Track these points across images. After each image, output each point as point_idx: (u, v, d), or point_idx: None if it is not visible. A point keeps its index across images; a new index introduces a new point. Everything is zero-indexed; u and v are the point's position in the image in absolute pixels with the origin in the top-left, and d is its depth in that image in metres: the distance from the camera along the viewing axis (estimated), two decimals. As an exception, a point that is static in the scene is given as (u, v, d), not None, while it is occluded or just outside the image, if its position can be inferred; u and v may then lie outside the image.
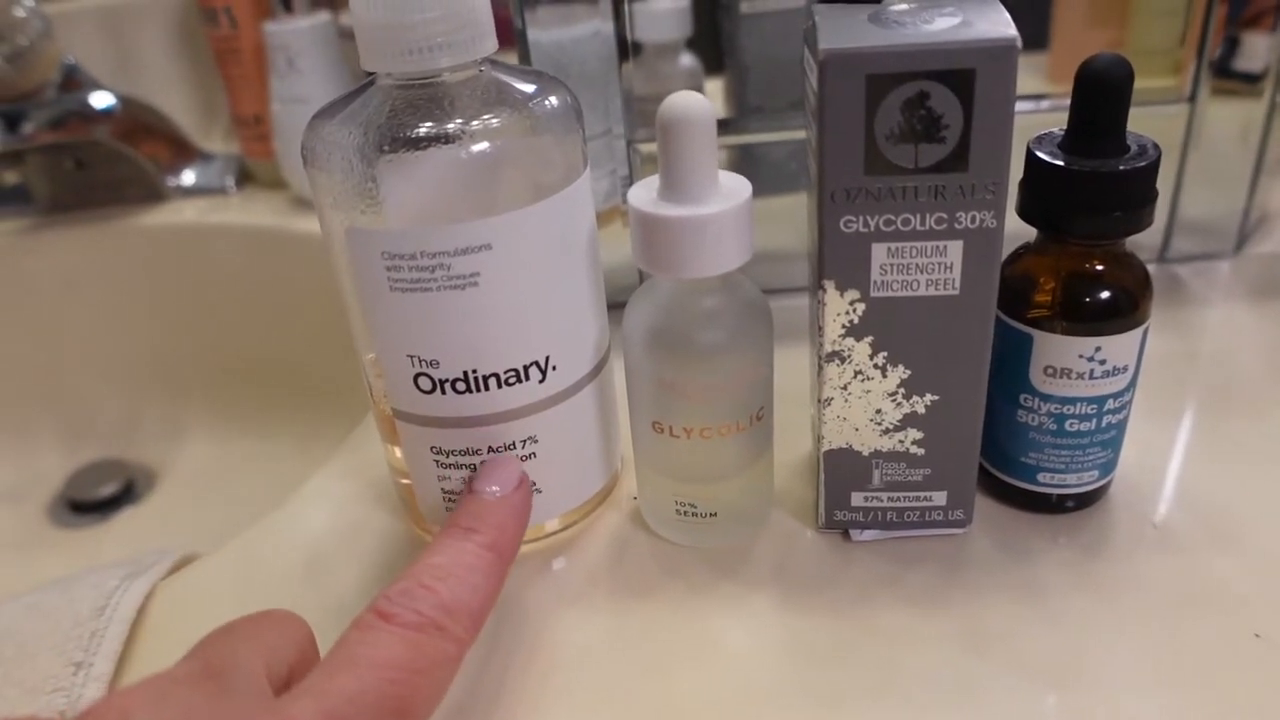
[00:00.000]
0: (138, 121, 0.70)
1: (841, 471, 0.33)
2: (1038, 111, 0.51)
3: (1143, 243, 0.51)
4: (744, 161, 0.54)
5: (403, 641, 0.25)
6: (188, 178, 0.71)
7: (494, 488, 0.31)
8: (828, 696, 0.29)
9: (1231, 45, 0.47)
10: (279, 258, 0.65)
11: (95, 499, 0.65)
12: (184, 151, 0.71)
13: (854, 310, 0.30)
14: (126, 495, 0.66)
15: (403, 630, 0.26)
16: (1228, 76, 0.47)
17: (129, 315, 0.69)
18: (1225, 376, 0.43)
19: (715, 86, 0.58)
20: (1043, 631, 0.31)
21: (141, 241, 0.69)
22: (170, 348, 0.70)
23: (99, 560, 0.41)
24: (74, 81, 0.67)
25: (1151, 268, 0.50)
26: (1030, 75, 0.67)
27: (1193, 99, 0.47)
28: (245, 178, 0.72)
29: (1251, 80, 0.47)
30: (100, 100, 0.68)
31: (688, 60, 0.58)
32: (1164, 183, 0.49)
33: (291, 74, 0.62)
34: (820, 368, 0.32)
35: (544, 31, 0.47)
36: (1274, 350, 0.44)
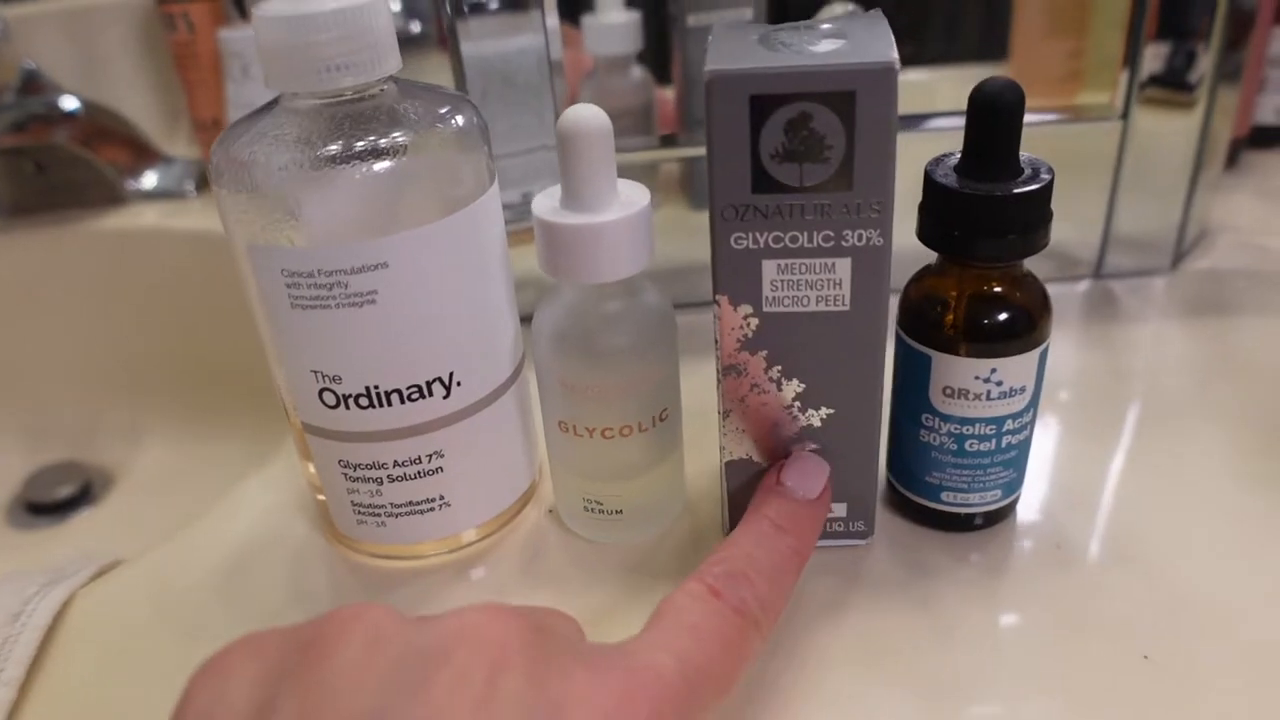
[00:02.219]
0: (98, 125, 0.70)
1: (742, 482, 0.34)
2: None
3: (1079, 258, 0.51)
4: (693, 174, 0.54)
5: (730, 623, 0.26)
6: (148, 181, 0.71)
7: (803, 493, 0.32)
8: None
9: (1188, 57, 0.47)
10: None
11: (52, 501, 0.66)
12: (145, 155, 0.72)
13: (748, 325, 0.31)
14: (83, 497, 0.66)
15: (731, 612, 0.27)
16: (1167, 86, 0.48)
17: (88, 318, 0.70)
18: (1148, 396, 0.43)
19: (667, 98, 0.59)
20: (934, 647, 0.31)
21: (101, 245, 0.69)
22: (129, 351, 0.70)
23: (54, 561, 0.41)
24: (35, 85, 0.67)
25: (1086, 284, 0.51)
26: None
27: (1125, 116, 0.48)
28: (206, 182, 0.72)
29: (1188, 89, 0.47)
30: (61, 104, 0.68)
31: (638, 74, 0.59)
32: (1098, 198, 0.50)
33: (246, 80, 0.62)
34: (719, 380, 0.32)
35: (480, 44, 0.47)
36: (1199, 369, 0.44)
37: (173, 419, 0.69)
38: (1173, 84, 0.47)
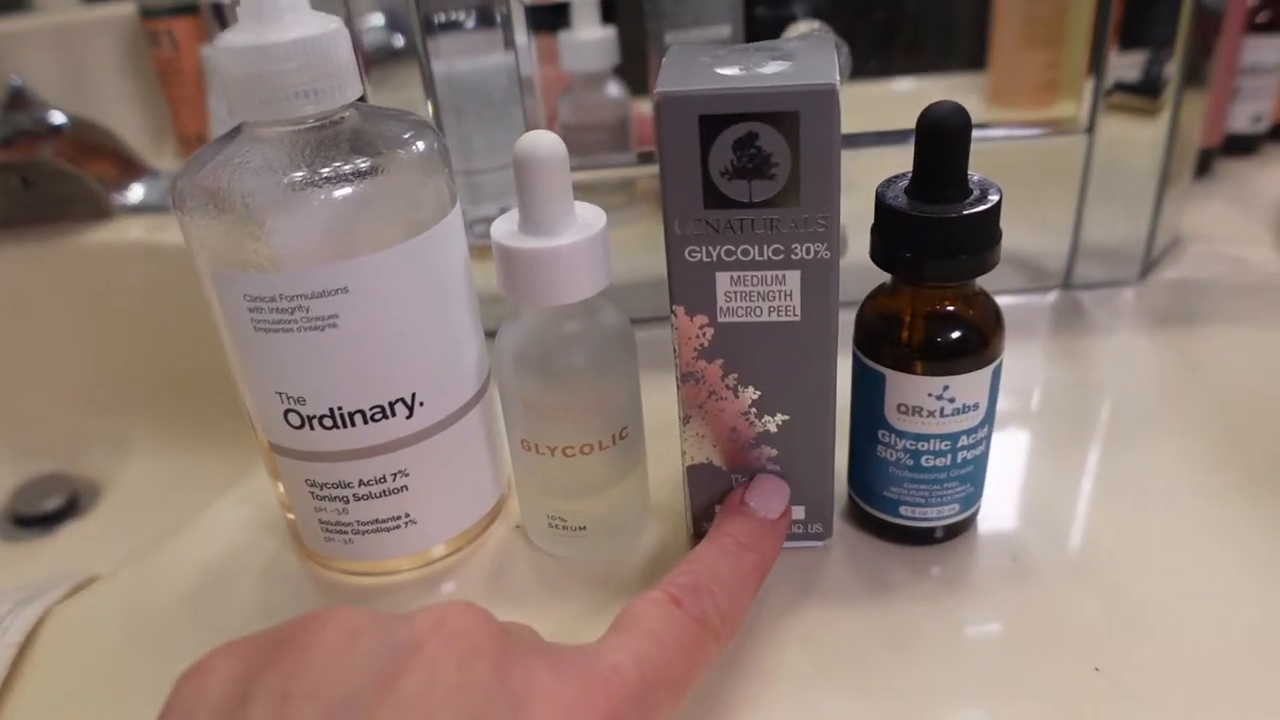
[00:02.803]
0: (85, 140, 0.71)
1: (703, 485, 0.35)
2: (985, 140, 0.50)
3: (1048, 269, 0.52)
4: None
5: (689, 631, 0.27)
6: (135, 195, 0.72)
7: (765, 513, 0.33)
8: None
9: (1154, 64, 0.47)
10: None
11: (39, 513, 0.66)
12: (131, 169, 0.72)
13: (704, 334, 0.32)
14: (70, 509, 0.67)
15: (692, 621, 0.28)
16: (1133, 92, 0.48)
17: (75, 331, 0.70)
18: (1111, 408, 0.43)
19: (645, 114, 0.59)
20: (890, 659, 0.32)
21: (87, 259, 0.70)
22: (116, 363, 0.70)
23: (41, 574, 0.42)
24: (21, 101, 0.68)
25: (1055, 294, 0.52)
26: (971, 95, 0.68)
27: (1090, 130, 0.48)
28: (192, 196, 0.73)
29: (1153, 95, 0.48)
30: (48, 119, 0.69)
31: (615, 90, 0.59)
32: (1067, 208, 0.50)
33: (228, 96, 0.63)
34: (679, 387, 0.33)
35: (456, 61, 0.48)
36: (1163, 381, 0.45)
37: (160, 432, 0.70)
38: (1138, 90, 0.48)
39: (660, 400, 0.36)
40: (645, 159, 0.54)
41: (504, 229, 0.32)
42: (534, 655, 0.24)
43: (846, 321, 0.33)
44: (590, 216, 0.32)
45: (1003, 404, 0.43)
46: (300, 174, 0.30)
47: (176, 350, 0.69)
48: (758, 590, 0.31)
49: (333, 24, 0.31)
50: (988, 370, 0.33)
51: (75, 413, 0.71)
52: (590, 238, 0.31)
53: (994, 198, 0.31)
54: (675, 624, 0.27)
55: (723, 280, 0.31)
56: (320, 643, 0.23)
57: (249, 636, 0.24)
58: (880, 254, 0.32)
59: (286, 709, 0.21)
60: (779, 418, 0.33)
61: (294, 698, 0.21)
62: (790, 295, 0.31)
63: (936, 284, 0.32)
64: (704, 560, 0.30)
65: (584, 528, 0.35)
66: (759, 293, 0.31)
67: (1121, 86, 0.48)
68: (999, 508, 0.38)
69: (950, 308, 0.32)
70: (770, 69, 0.29)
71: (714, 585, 0.29)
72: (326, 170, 0.30)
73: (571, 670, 0.24)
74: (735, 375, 0.32)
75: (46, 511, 0.66)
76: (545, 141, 0.30)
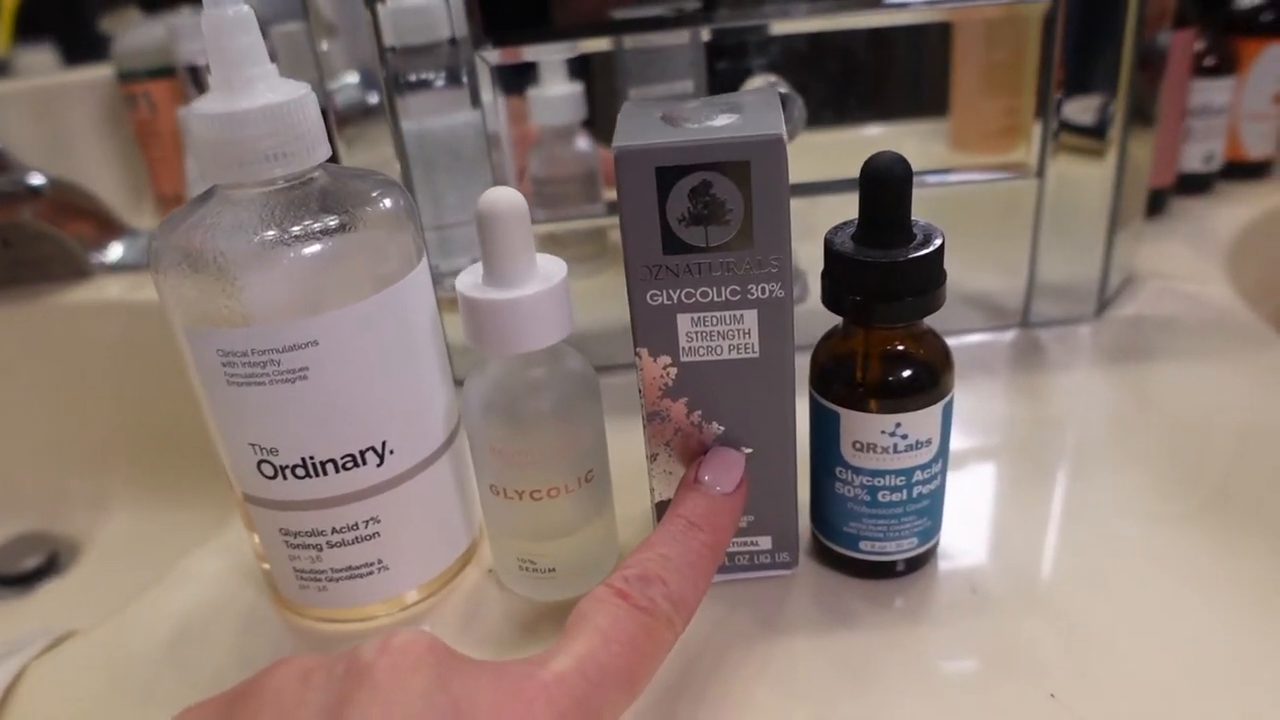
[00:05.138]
0: (64, 201, 0.72)
1: None
2: (944, 185, 0.52)
3: (1006, 307, 0.53)
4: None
5: (636, 622, 0.28)
6: (114, 254, 0.73)
7: (719, 487, 0.33)
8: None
9: (1099, 106, 0.49)
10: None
11: (19, 572, 0.66)
12: (110, 229, 0.73)
13: (668, 374, 0.33)
14: (50, 567, 0.67)
15: (638, 612, 0.28)
16: (1080, 133, 0.50)
17: (54, 390, 0.71)
18: (1068, 442, 0.45)
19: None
20: (850, 690, 0.32)
21: (66, 318, 0.70)
22: (95, 421, 0.71)
23: (20, 633, 0.42)
24: (1, 164, 0.69)
25: (1013, 333, 0.53)
26: (933, 141, 0.70)
27: (1040, 173, 0.50)
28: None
29: (1099, 136, 0.50)
30: (27, 181, 0.70)
31: (583, 143, 0.61)
32: (1022, 248, 0.52)
33: (205, 157, 0.64)
34: (645, 426, 0.34)
35: (426, 119, 0.49)
36: (1118, 415, 0.46)
37: (139, 489, 0.70)
38: (1086, 132, 0.50)
39: (628, 443, 0.37)
40: (614, 209, 0.55)
41: (469, 281, 0.33)
42: (476, 668, 0.25)
43: (804, 364, 0.35)
44: (551, 268, 0.33)
45: (962, 440, 0.44)
46: (271, 233, 0.31)
47: (155, 408, 0.70)
48: (714, 568, 0.32)
49: (301, 90, 0.32)
50: (938, 407, 0.34)
51: (54, 471, 0.71)
52: (551, 288, 0.32)
53: (937, 241, 0.32)
54: (622, 618, 0.28)
55: (684, 321, 0.32)
56: (272, 687, 0.24)
57: (210, 698, 0.25)
58: (830, 297, 0.33)
59: None
60: (743, 451, 0.34)
61: None
62: (749, 333, 0.32)
63: (885, 325, 0.33)
64: (654, 548, 0.30)
65: (554, 569, 0.36)
66: (719, 332, 0.32)
67: (1071, 128, 0.50)
68: (959, 541, 0.39)
69: (901, 347, 0.34)
70: (720, 121, 0.31)
71: (664, 571, 0.29)
72: (297, 229, 0.31)
73: (511, 680, 0.25)
74: (700, 412, 0.34)
75: (26, 570, 0.66)
76: (506, 197, 0.31)
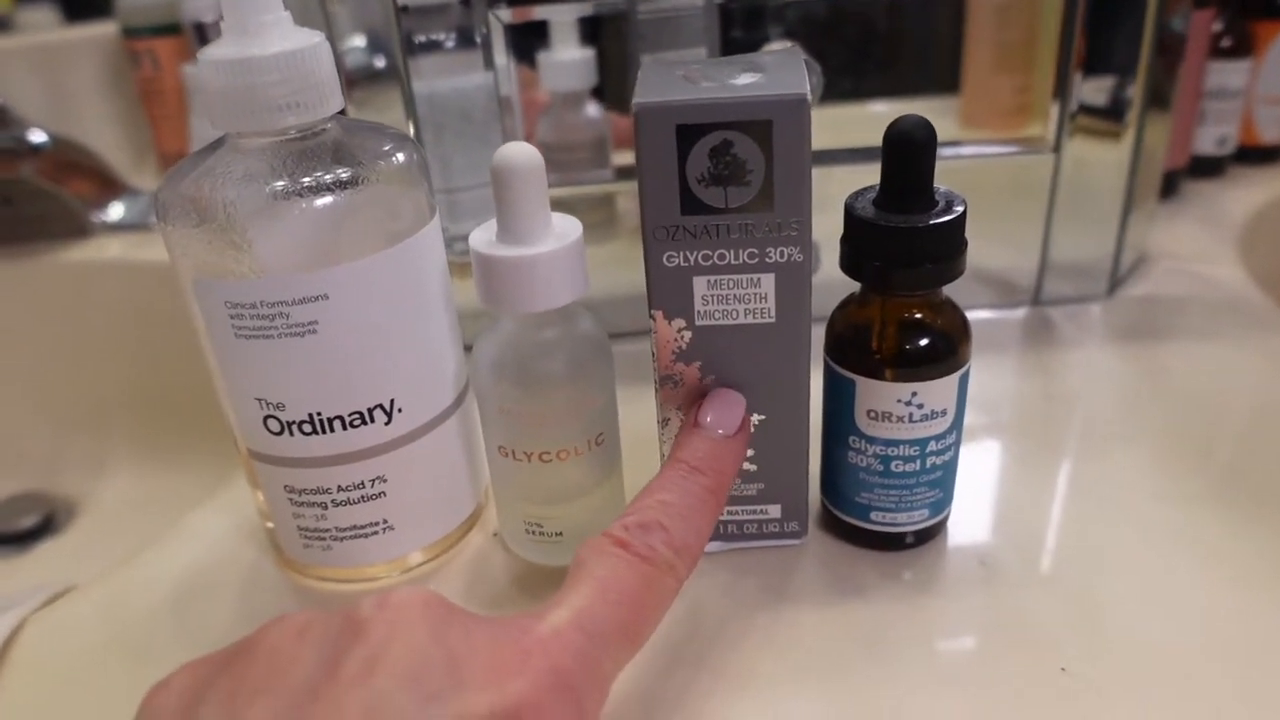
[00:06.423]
0: (66, 159, 0.71)
1: None
2: (958, 158, 0.51)
3: (1018, 285, 0.53)
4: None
5: (636, 572, 0.27)
6: (115, 213, 0.72)
7: (721, 430, 0.32)
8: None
9: (1117, 87, 0.49)
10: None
11: (15, 531, 0.66)
12: (111, 188, 0.73)
13: (682, 338, 0.33)
14: (47, 527, 0.67)
15: (638, 561, 0.27)
16: (1097, 115, 0.49)
17: (53, 349, 0.70)
18: (1079, 418, 0.44)
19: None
20: (859, 662, 0.32)
21: (66, 277, 0.70)
22: (94, 381, 0.70)
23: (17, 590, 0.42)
24: (2, 120, 0.68)
25: (1025, 310, 0.53)
26: (944, 118, 0.69)
27: (1057, 149, 0.49)
28: (172, 214, 0.73)
29: (1117, 118, 0.49)
30: (29, 138, 0.69)
31: (593, 110, 0.60)
32: (1035, 226, 0.51)
33: (210, 115, 0.64)
34: (657, 390, 0.34)
35: (437, 81, 0.49)
36: (1129, 393, 0.46)
37: (137, 449, 0.70)
38: (1103, 114, 0.49)
39: (637, 411, 0.37)
40: (623, 175, 0.55)
41: (482, 238, 0.32)
42: (473, 622, 0.24)
43: (818, 335, 0.34)
44: (566, 226, 0.32)
45: (974, 416, 0.44)
46: (282, 183, 0.31)
47: (155, 368, 0.69)
48: (717, 512, 0.31)
49: (316, 38, 0.31)
50: (955, 377, 0.33)
51: (52, 431, 0.71)
52: (566, 246, 0.32)
53: (959, 208, 0.32)
54: (620, 568, 0.27)
55: (700, 284, 0.32)
56: (268, 644, 0.24)
57: (208, 654, 0.25)
58: (849, 263, 0.33)
59: (234, 705, 0.22)
60: (756, 417, 0.34)
61: (241, 694, 0.22)
62: (765, 298, 0.32)
63: (904, 293, 0.33)
64: (654, 494, 0.30)
65: (561, 534, 0.36)
66: (735, 295, 0.32)
67: (1087, 109, 0.49)
68: (970, 515, 0.38)
69: (919, 316, 0.33)
70: (742, 80, 0.30)
71: (664, 518, 0.29)
72: (308, 180, 0.31)
73: (508, 634, 0.24)
74: (713, 377, 0.33)
75: (23, 529, 0.66)
76: (522, 152, 0.31)
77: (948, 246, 0.32)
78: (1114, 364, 0.48)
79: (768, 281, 0.31)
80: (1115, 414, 0.44)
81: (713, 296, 0.32)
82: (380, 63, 0.63)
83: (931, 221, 0.31)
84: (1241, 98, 0.68)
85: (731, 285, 0.32)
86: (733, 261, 0.31)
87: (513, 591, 0.36)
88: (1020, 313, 0.53)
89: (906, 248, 0.32)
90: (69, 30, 0.78)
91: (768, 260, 0.31)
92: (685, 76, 0.31)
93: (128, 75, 0.75)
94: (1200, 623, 0.33)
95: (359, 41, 0.55)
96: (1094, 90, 0.49)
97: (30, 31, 0.79)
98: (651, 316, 0.32)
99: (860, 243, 0.32)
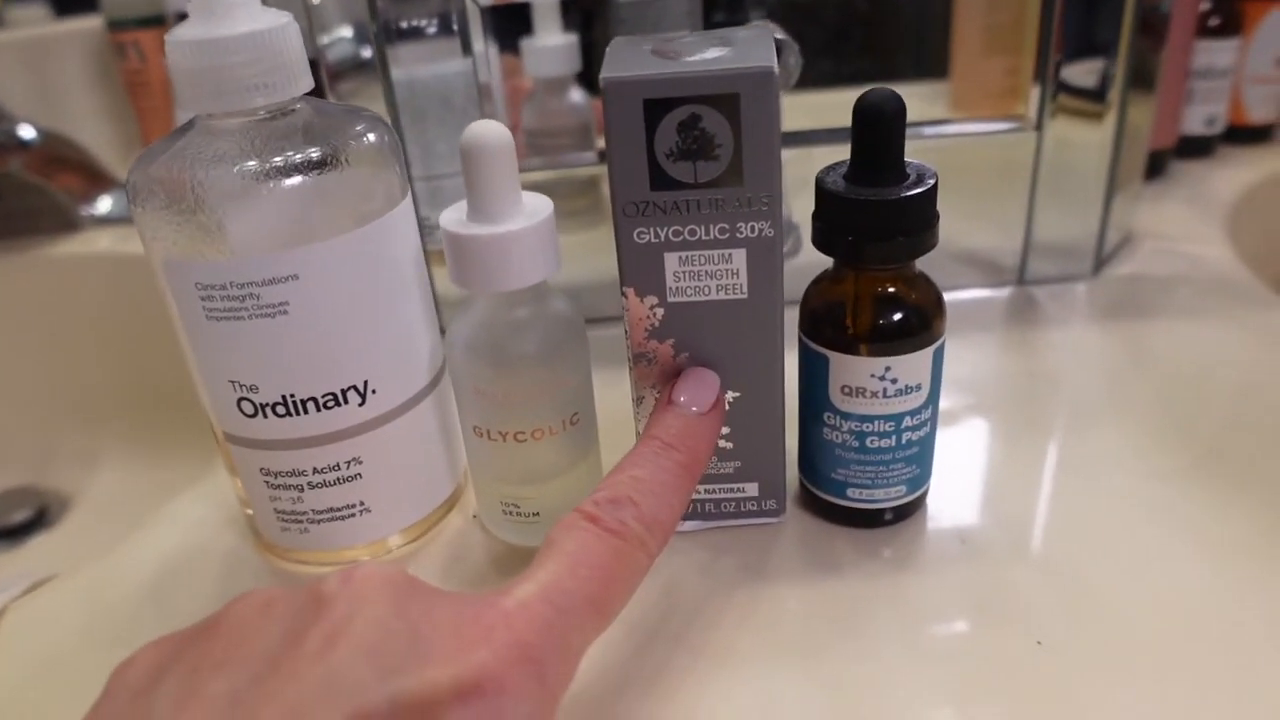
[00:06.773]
0: (54, 153, 0.71)
1: None
2: (940, 136, 0.51)
3: (1002, 265, 0.53)
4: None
5: (606, 545, 0.27)
6: (103, 206, 0.72)
7: (695, 407, 0.32)
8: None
9: (1099, 67, 0.48)
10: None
11: (7, 525, 0.66)
12: (100, 181, 0.73)
13: (654, 315, 0.32)
14: (40, 521, 0.67)
15: (608, 535, 0.27)
16: (1079, 95, 0.49)
17: (43, 343, 0.70)
18: (1062, 396, 0.44)
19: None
20: (836, 638, 0.32)
21: (55, 271, 0.70)
22: (84, 375, 0.71)
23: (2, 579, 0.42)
24: (-11, 115, 0.68)
25: (1009, 290, 0.53)
26: (933, 102, 0.69)
27: (1039, 127, 0.49)
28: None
29: (1099, 99, 0.49)
30: (17, 133, 0.69)
31: (577, 95, 0.60)
32: (1020, 206, 0.51)
33: (195, 107, 0.64)
34: (630, 368, 0.34)
35: (417, 68, 0.49)
36: (1113, 371, 0.46)
37: (128, 442, 0.70)
38: (1086, 94, 0.49)
39: (619, 393, 0.37)
40: (605, 157, 0.55)
41: (452, 217, 0.32)
42: (438, 596, 0.24)
43: (793, 313, 0.34)
44: (537, 205, 0.32)
45: (957, 395, 0.44)
46: (252, 164, 0.31)
47: (144, 361, 0.69)
48: (689, 489, 0.31)
49: (283, 19, 0.31)
50: (929, 351, 0.33)
51: (43, 425, 0.71)
52: (537, 224, 0.31)
53: (930, 181, 0.31)
54: (590, 542, 0.27)
55: (671, 260, 0.32)
56: (232, 619, 0.24)
57: (176, 631, 0.25)
58: (821, 238, 0.33)
59: (194, 680, 0.22)
60: (730, 395, 0.34)
61: (203, 668, 0.22)
62: (737, 273, 0.31)
63: (876, 266, 0.33)
64: (626, 470, 0.30)
65: (538, 514, 0.36)
66: (707, 272, 0.32)
67: (1069, 89, 0.49)
68: (949, 492, 0.38)
69: (892, 290, 0.33)
70: (710, 54, 0.30)
71: (635, 494, 0.28)
72: (278, 160, 0.31)
73: (472, 608, 0.24)
74: (687, 354, 0.33)
75: (14, 524, 0.66)
76: (491, 130, 0.31)
77: (920, 219, 0.32)
78: (1099, 342, 0.48)
79: (739, 257, 0.31)
80: (1099, 392, 0.44)
81: (684, 273, 0.32)
82: (367, 53, 0.63)
83: (903, 194, 0.31)
84: (1230, 77, 0.68)
85: (703, 261, 0.31)
86: (703, 237, 0.31)
87: (492, 573, 0.36)
88: (1005, 292, 0.53)
89: (878, 220, 0.32)
90: (55, 23, 0.78)
91: (739, 236, 0.31)
92: (654, 52, 0.31)
93: (114, 68, 0.75)
94: (1181, 598, 0.33)
95: (346, 33, 0.55)
96: (1079, 72, 0.49)
97: (17, 25, 0.79)
98: (623, 294, 0.32)
99: (832, 217, 0.32)
